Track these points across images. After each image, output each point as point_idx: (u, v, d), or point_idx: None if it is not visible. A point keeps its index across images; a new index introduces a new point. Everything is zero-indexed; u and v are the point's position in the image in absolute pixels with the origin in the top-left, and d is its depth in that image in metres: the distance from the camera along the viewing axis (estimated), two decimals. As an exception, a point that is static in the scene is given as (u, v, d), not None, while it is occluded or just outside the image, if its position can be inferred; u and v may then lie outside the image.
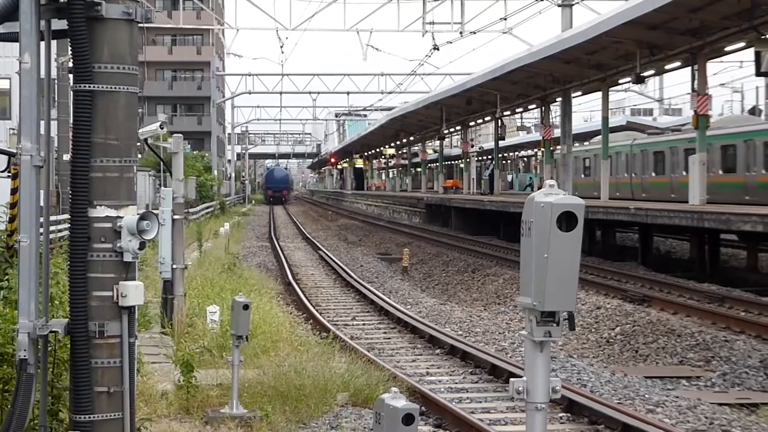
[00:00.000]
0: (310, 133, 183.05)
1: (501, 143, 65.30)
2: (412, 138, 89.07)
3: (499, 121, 57.89)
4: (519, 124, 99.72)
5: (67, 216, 11.04)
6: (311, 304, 24.64)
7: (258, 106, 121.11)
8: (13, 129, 43.18)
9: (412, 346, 19.29)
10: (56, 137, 34.47)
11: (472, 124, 70.38)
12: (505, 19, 55.03)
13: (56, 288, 9.56)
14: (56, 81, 34.12)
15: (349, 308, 25.23)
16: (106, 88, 7.36)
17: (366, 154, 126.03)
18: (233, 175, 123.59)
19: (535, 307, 5.75)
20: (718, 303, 23.29)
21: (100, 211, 7.37)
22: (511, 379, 5.99)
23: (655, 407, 13.76)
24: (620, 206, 33.32)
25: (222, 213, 73.67)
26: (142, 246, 7.45)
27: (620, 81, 41.91)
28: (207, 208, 68.23)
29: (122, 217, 7.39)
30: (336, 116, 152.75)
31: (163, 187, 17.82)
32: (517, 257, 31.79)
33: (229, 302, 13.54)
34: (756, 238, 29.27)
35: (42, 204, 7.51)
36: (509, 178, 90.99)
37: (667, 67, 36.88)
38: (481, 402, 14.19)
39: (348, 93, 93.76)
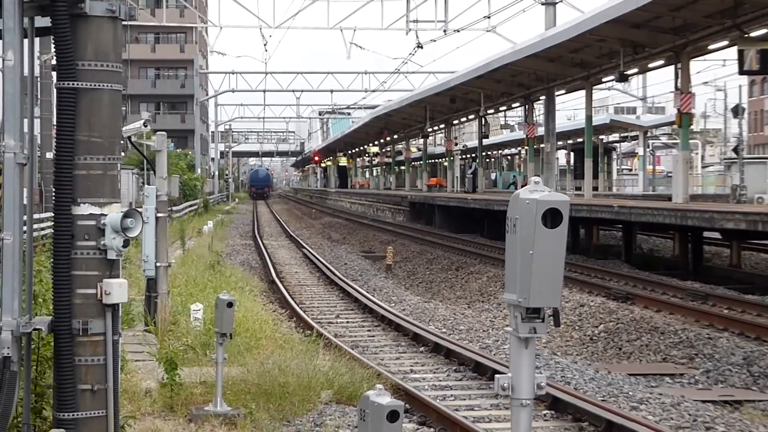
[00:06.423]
0: (293, 132, 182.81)
1: (485, 141, 65.36)
2: (396, 136, 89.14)
3: (483, 119, 57.95)
4: (503, 123, 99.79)
5: (50, 214, 11.03)
6: (295, 302, 24.61)
7: (241, 104, 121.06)
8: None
9: (396, 343, 19.28)
10: (39, 135, 34.37)
11: (456, 122, 70.45)
12: (489, 17, 55.10)
13: (40, 286, 9.54)
14: (39, 79, 34.02)
15: (333, 306, 25.21)
16: (90, 85, 7.35)
17: (350, 152, 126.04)
18: (216, 173, 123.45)
19: (521, 303, 5.76)
20: (702, 301, 23.33)
21: (83, 209, 7.36)
22: (497, 376, 6.00)
23: (639, 404, 13.78)
24: (604, 204, 33.37)
25: (205, 211, 73.55)
26: (125, 244, 7.44)
27: (604, 79, 42.04)
28: (190, 206, 68.15)
29: (106, 215, 7.38)
30: (320, 114, 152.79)
31: (146, 185, 17.81)
32: (500, 255, 31.83)
33: (213, 300, 13.52)
34: (739, 236, 29.34)
35: (25, 202, 7.50)
36: (493, 176, 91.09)
37: (651, 65, 37.01)
38: (465, 399, 14.19)
39: (332, 91, 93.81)
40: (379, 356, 17.69)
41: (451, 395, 14.47)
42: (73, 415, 7.38)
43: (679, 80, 32.54)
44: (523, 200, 5.70)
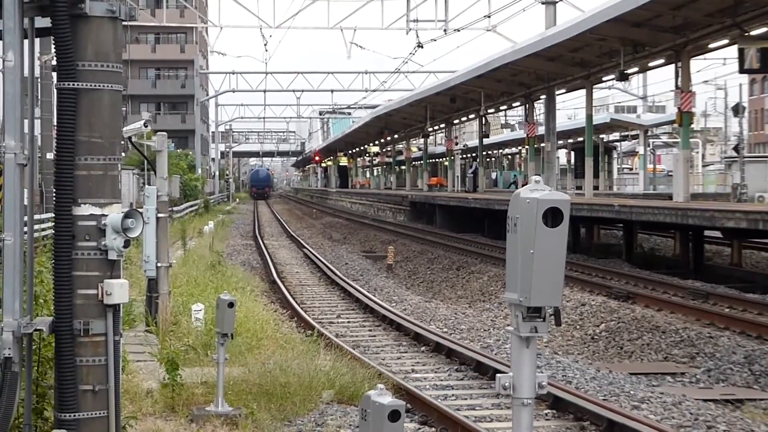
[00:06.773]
0: (294, 131, 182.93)
1: (485, 141, 65.32)
2: (396, 136, 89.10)
3: (484, 118, 57.93)
4: (503, 122, 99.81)
5: (50, 214, 11.05)
6: (296, 302, 24.61)
7: (242, 104, 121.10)
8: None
9: (397, 343, 19.28)
10: (39, 136, 34.36)
11: (456, 121, 70.43)
12: (489, 16, 55.13)
13: (41, 286, 9.54)
14: (39, 79, 34.01)
15: (334, 306, 25.21)
16: (90, 85, 7.34)
17: (350, 152, 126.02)
18: (217, 173, 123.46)
19: (522, 302, 5.75)
20: (703, 300, 23.32)
21: (84, 209, 7.36)
22: (498, 375, 5.99)
23: (640, 403, 13.78)
24: (604, 203, 33.37)
25: (206, 211, 73.54)
26: (126, 244, 7.44)
27: (604, 78, 42.02)
28: (191, 206, 68.13)
29: (107, 215, 7.37)
30: (320, 114, 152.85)
31: (147, 186, 17.81)
32: (501, 255, 31.82)
33: (214, 300, 13.52)
34: (740, 235, 29.33)
35: (26, 202, 7.49)
36: (493, 175, 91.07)
37: (651, 64, 36.98)
38: (466, 399, 14.19)
39: (332, 91, 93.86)
40: (380, 356, 17.69)
41: (453, 395, 14.46)
42: (74, 415, 7.37)
43: (679, 79, 32.53)
44: (523, 199, 5.70)
